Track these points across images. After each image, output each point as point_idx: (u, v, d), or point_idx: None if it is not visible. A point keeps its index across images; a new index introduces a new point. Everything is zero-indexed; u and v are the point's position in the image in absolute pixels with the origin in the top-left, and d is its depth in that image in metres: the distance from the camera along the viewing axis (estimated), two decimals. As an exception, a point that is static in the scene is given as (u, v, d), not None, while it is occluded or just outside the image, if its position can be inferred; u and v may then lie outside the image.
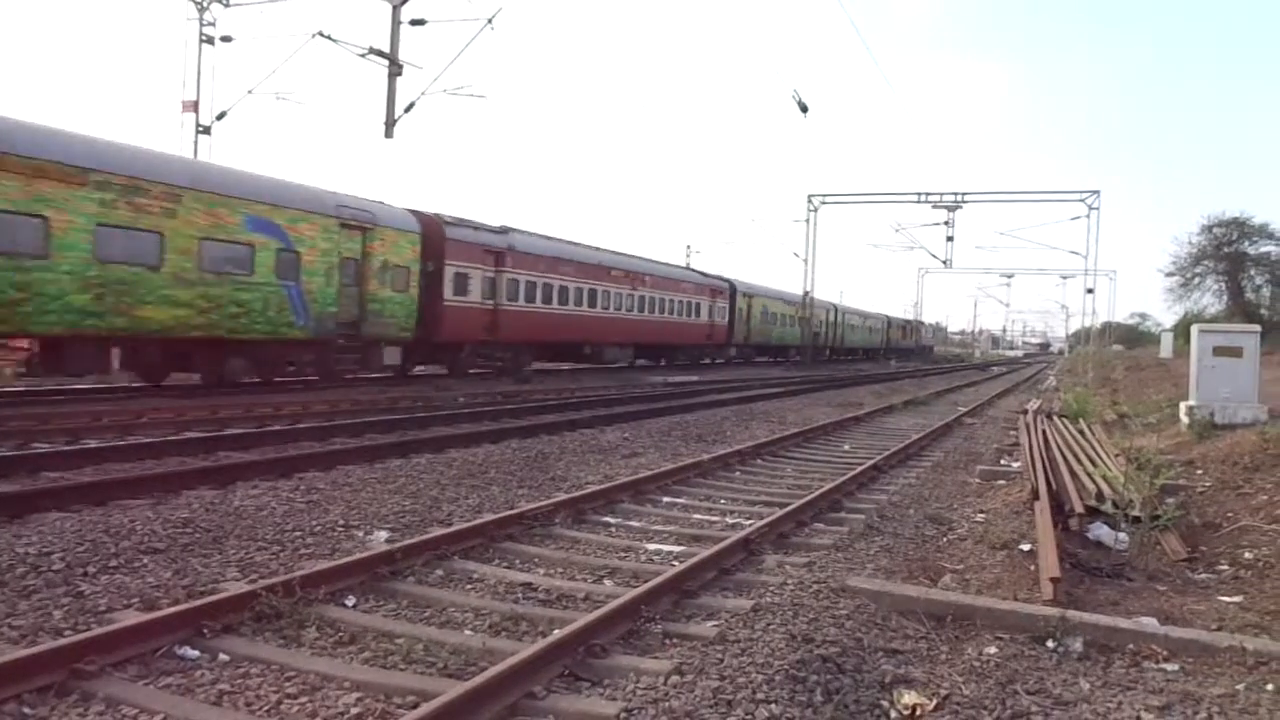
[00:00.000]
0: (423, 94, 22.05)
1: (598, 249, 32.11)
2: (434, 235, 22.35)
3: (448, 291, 22.68)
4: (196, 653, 4.62)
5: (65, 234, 14.03)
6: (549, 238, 28.54)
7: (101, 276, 14.58)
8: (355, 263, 19.81)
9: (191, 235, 16.12)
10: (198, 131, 24.28)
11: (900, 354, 74.26)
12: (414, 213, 22.29)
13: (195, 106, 24.21)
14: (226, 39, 24.61)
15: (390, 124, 21.45)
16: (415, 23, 21.54)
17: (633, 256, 34.58)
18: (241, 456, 10.40)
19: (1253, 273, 49.16)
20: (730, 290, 41.73)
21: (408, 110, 21.76)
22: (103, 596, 5.39)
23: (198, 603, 5.02)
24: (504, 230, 25.70)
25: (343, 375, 20.26)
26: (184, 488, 8.46)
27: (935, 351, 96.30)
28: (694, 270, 42.80)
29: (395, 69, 21.27)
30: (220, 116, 24.51)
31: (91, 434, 11.70)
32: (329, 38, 21.82)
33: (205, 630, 4.77)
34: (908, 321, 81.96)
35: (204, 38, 24.40)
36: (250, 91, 24.29)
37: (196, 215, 16.22)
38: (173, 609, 4.94)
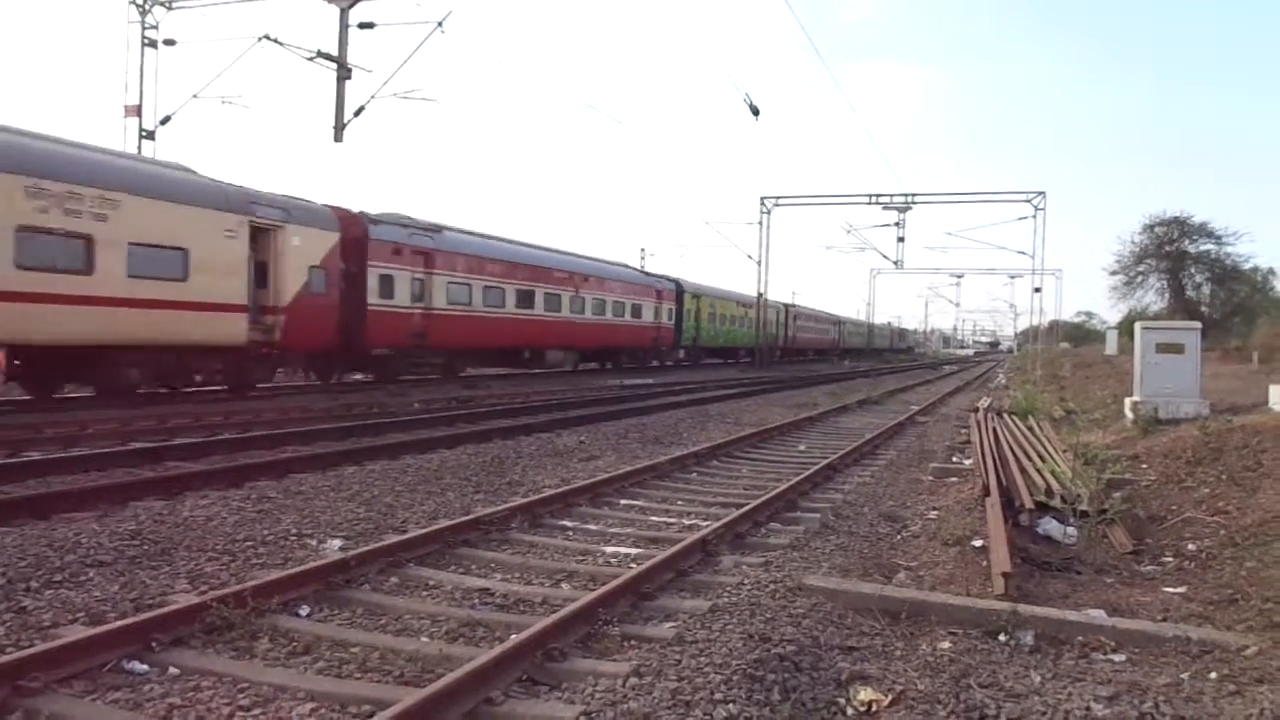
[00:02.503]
0: (372, 98, 21.82)
1: (822, 311, 70.63)
2: (787, 310, 58.73)
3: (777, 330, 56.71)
4: (145, 666, 4.53)
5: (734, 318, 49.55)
6: (802, 305, 64.68)
7: (727, 330, 48.80)
8: (751, 318, 50.03)
9: (736, 315, 48.94)
10: (141, 136, 23.81)
11: (897, 352, 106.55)
12: (775, 301, 56.70)
13: (138, 111, 23.74)
14: (170, 42, 24.19)
15: (340, 128, 21.20)
16: (364, 26, 21.31)
17: (833, 313, 75.71)
18: (191, 466, 10.22)
19: (1193, 270, 50.25)
20: (836, 320, 75.71)
21: (357, 114, 21.52)
22: (46, 611, 5.26)
23: (146, 616, 4.92)
24: (791, 305, 60.75)
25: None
26: (131, 499, 8.28)
27: (914, 353, 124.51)
28: (828, 311, 74.62)
29: (344, 72, 21.02)
30: (164, 121, 24.06)
31: (33, 446, 11.40)
32: (276, 41, 21.53)
33: (154, 644, 4.67)
34: (901, 329, 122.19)
35: (146, 41, 23.95)
36: (195, 95, 23.87)
37: (734, 308, 49.29)
38: (120, 622, 4.84)
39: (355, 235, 21.60)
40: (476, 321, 25.99)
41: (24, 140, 15.03)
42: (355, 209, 22.32)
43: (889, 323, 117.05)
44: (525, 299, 28.31)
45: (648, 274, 37.91)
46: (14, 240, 13.86)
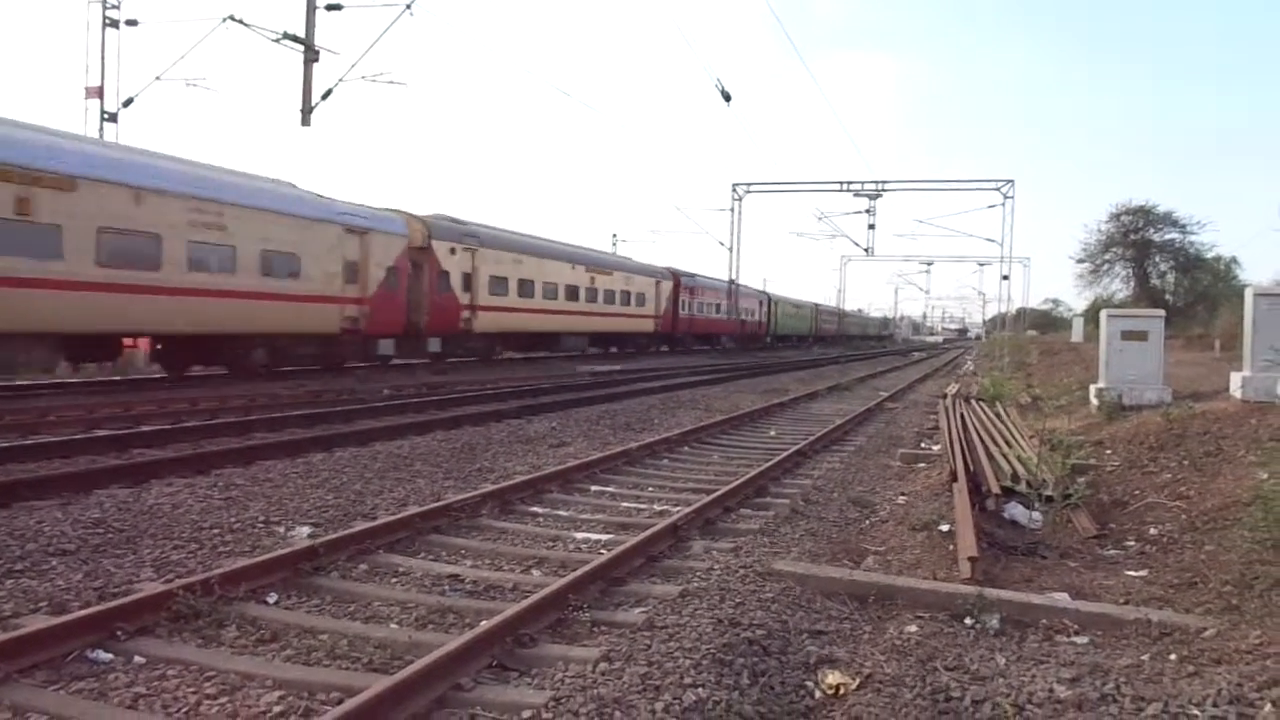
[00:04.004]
0: (340, 81, 21.54)
1: (834, 306, 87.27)
2: (816, 308, 79.69)
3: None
4: (110, 656, 4.48)
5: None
6: (823, 304, 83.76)
7: (790, 323, 69.22)
8: (802, 315, 74.19)
9: (792, 313, 69.61)
10: (103, 119, 23.40)
11: (878, 339, 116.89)
12: (808, 301, 78.13)
13: (100, 92, 23.32)
14: (132, 23, 23.77)
15: (307, 111, 20.93)
16: (331, 7, 21.02)
17: (838, 308, 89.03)
18: (156, 454, 10.10)
19: (1157, 259, 50.97)
20: (843, 314, 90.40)
21: (325, 97, 21.24)
22: (7, 601, 5.18)
23: (110, 604, 4.87)
24: (819, 305, 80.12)
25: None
26: (95, 487, 8.17)
27: (894, 339, 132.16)
28: (838, 306, 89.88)
29: (311, 55, 20.73)
30: (127, 103, 23.66)
31: (-6, 433, 11.21)
32: (241, 22, 21.22)
33: (119, 633, 4.62)
34: (885, 318, 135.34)
35: (107, 21, 23.51)
36: (159, 78, 23.50)
37: (792, 308, 70.55)
38: (84, 611, 4.77)
39: (678, 282, 45.85)
40: (707, 321, 51.22)
41: (594, 254, 39.50)
42: (674, 266, 46.45)
43: (860, 310, 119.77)
44: (719, 309, 51.72)
45: (757, 290, 59.13)
46: (586, 291, 35.61)
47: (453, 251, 25.80)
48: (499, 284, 28.38)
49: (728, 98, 28.38)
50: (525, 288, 30.12)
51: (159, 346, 19.47)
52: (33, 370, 16.71)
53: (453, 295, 26.01)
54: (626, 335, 40.81)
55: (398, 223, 24.17)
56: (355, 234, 22.06)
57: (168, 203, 17.00)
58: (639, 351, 42.19)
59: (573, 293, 34.11)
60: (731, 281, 45.71)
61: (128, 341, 19.18)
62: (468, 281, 26.67)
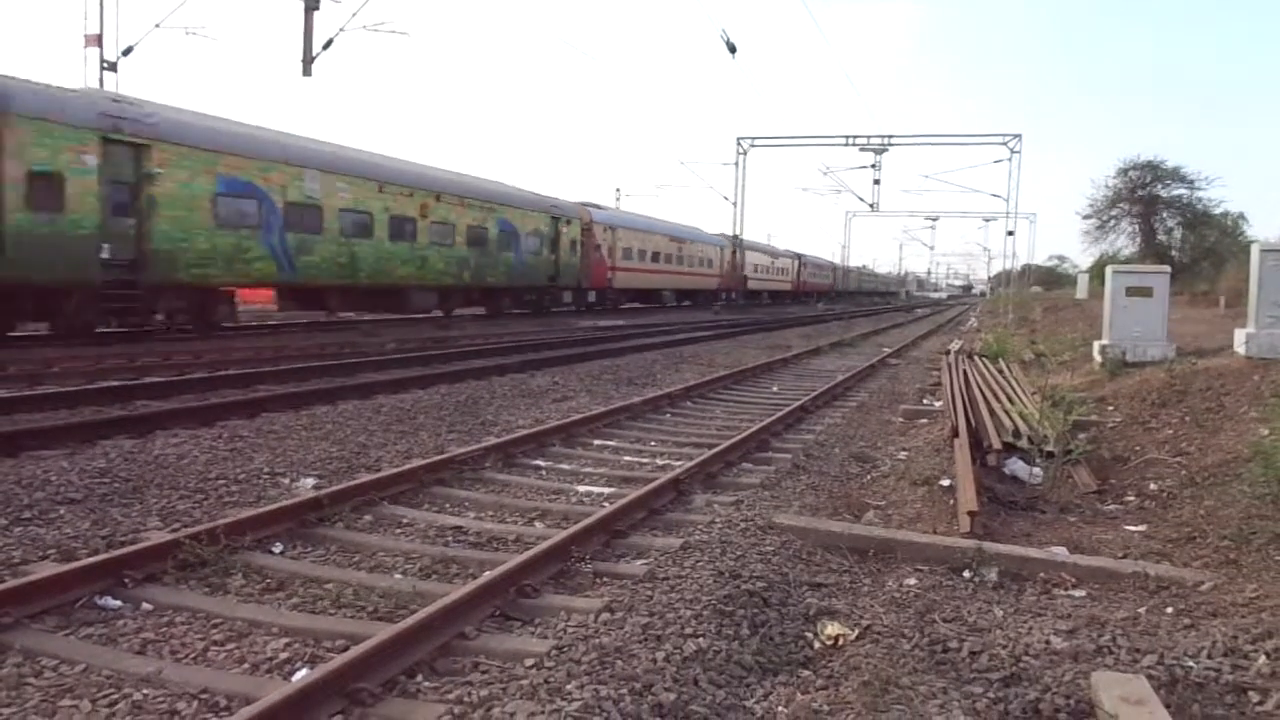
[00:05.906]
0: (341, 30, 21.35)
1: (866, 268, 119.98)
2: (859, 269, 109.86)
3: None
4: (118, 602, 4.55)
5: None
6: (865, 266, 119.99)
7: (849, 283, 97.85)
8: (858, 275, 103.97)
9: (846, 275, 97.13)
10: (102, 68, 23.16)
11: (892, 295, 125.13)
12: (856, 266, 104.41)
13: (99, 41, 23.05)
14: (131, -31, 23.40)
15: (308, 61, 20.72)
16: (333, -45, 20.72)
17: (865, 267, 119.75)
18: (161, 405, 10.13)
19: (1165, 215, 50.50)
20: (864, 271, 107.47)
21: (326, 47, 21.05)
22: (16, 549, 5.24)
23: (118, 552, 4.92)
24: (863, 267, 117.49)
25: None
26: (100, 437, 8.21)
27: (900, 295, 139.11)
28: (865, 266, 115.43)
29: (312, 3, 20.48)
30: (126, 52, 23.40)
31: (-1, 384, 11.25)
32: (242, -31, 20.97)
33: (127, 580, 4.68)
34: (901, 276, 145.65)
35: (106, -33, 23.14)
36: (158, 25, 23.26)
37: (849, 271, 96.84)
38: (92, 559, 4.84)
39: (799, 259, 74.35)
40: (813, 284, 76.56)
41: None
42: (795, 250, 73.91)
43: (864, 266, 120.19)
44: (817, 276, 76.73)
45: (829, 261, 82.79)
46: (766, 269, 65.42)
47: (738, 252, 51.41)
48: (755, 268, 58.42)
49: (733, 49, 28.06)
50: (758, 269, 59.89)
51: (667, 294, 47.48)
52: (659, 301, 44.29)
53: (742, 273, 53.58)
54: (777, 293, 66.29)
55: (724, 240, 50.93)
56: (718, 247, 51.31)
57: (687, 246, 47.96)
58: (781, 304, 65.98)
59: (760, 268, 61.45)
60: (834, 263, 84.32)
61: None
62: (741, 265, 52.91)
